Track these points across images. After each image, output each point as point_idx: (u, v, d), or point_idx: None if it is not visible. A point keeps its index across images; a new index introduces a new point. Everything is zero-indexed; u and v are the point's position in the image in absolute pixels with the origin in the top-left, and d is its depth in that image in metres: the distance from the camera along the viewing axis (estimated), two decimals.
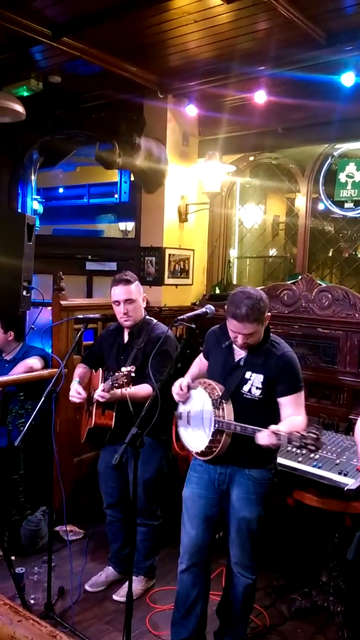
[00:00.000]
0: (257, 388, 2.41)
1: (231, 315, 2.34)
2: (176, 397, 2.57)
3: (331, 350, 3.60)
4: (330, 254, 5.44)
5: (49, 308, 3.93)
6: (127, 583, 2.31)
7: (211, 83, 4.06)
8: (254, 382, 2.42)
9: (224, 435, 2.38)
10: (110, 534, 3.32)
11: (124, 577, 3.21)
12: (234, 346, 2.49)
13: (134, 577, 2.95)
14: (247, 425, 2.28)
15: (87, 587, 3.21)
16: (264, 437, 2.19)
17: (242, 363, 2.46)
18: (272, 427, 2.19)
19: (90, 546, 3.65)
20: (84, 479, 3.97)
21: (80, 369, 3.22)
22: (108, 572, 3.31)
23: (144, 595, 3.17)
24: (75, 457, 3.97)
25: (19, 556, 3.41)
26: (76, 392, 3.01)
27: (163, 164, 4.42)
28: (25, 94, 4.30)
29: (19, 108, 3.90)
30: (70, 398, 3.03)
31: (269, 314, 2.41)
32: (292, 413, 2.37)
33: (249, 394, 2.42)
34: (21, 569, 3.04)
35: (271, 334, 2.51)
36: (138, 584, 3.17)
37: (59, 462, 3.27)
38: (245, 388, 2.42)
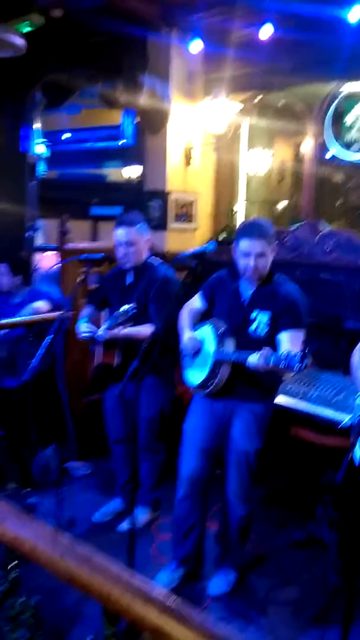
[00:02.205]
0: (263, 327, 2.47)
1: (242, 235, 2.44)
2: (190, 350, 2.62)
3: (334, 296, 3.61)
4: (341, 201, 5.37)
5: (55, 252, 3.94)
6: (132, 514, 2.44)
7: (216, 15, 3.90)
8: (261, 322, 2.47)
9: (222, 367, 2.46)
10: (117, 468, 3.46)
11: (130, 509, 3.38)
12: (240, 289, 2.55)
13: (139, 508, 3.10)
14: (242, 352, 2.36)
15: (94, 519, 3.38)
16: (254, 358, 2.26)
17: (247, 303, 2.52)
18: (265, 348, 2.25)
19: (98, 480, 3.81)
20: (92, 417, 4.09)
21: (87, 310, 3.28)
22: (115, 504, 3.47)
23: (149, 525, 3.33)
24: (83, 396, 4.08)
25: (31, 489, 3.59)
26: (85, 328, 3.06)
27: (167, 102, 4.31)
28: (28, 29, 4.16)
29: (19, 41, 3.78)
30: (80, 335, 3.08)
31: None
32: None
33: (255, 333, 2.48)
34: (34, 500, 3.21)
35: (277, 274, 2.55)
36: (143, 514, 3.32)
37: (68, 402, 3.38)
38: (252, 327, 2.48)
